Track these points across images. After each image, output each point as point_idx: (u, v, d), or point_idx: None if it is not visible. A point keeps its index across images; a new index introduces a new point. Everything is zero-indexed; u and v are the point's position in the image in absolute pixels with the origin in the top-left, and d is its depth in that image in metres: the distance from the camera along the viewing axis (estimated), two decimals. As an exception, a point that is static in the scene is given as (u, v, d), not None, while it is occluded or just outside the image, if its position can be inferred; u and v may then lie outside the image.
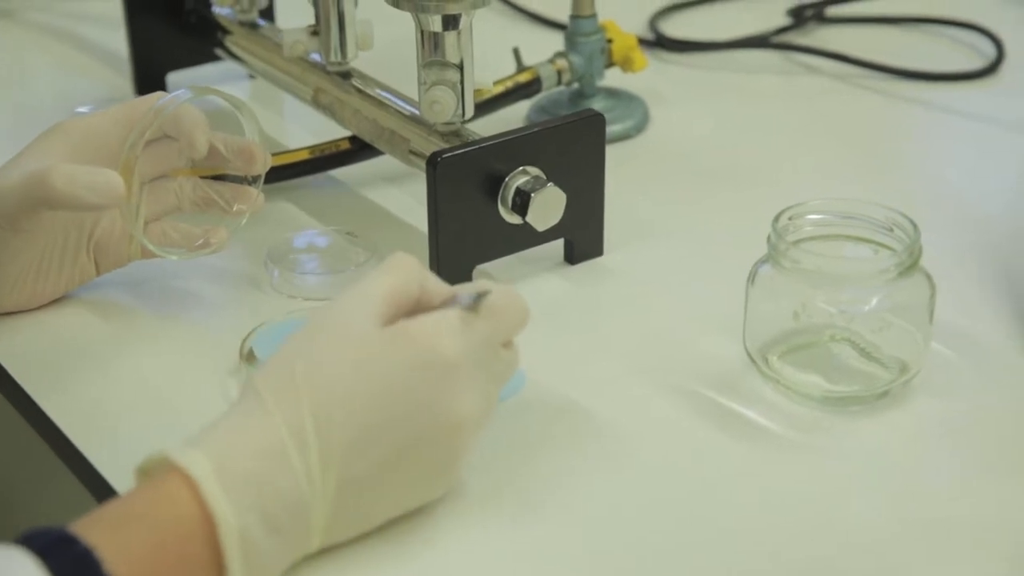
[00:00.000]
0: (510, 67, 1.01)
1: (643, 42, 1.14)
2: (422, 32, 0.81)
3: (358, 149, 0.93)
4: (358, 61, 0.92)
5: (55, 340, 0.78)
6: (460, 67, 0.82)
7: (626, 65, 1.02)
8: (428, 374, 0.61)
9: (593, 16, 1.00)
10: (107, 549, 0.55)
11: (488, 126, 0.90)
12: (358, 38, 0.91)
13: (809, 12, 1.16)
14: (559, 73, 1.00)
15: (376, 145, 0.89)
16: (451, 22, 0.80)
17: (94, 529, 0.56)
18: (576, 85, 1.01)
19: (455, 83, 0.82)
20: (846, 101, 1.06)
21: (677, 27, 1.17)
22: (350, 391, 0.61)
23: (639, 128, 1.01)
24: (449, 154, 0.78)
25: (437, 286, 0.66)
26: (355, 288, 0.64)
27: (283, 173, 0.92)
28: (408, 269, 0.65)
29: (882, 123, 1.03)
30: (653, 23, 1.17)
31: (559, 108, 1.01)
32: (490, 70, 1.01)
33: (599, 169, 0.84)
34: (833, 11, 1.17)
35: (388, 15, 0.84)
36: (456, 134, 0.83)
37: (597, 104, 1.01)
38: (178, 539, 0.57)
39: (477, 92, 0.96)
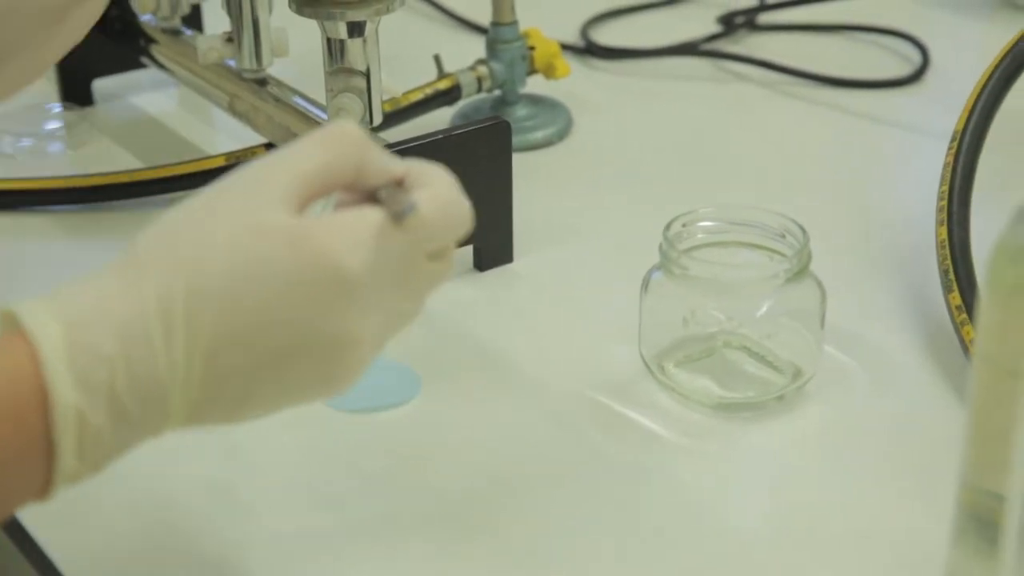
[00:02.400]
0: (429, 71, 1.01)
1: (573, 49, 1.14)
2: (328, 40, 0.81)
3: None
4: (274, 68, 0.92)
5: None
6: (367, 74, 0.82)
7: (548, 72, 1.02)
8: (322, 290, 0.54)
9: (514, 23, 1.00)
10: None
11: (408, 133, 0.90)
12: (273, 45, 0.91)
13: (740, 20, 1.16)
14: (479, 80, 1.00)
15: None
16: (356, 29, 0.80)
17: None
18: (498, 92, 1.02)
19: (362, 90, 0.82)
20: (773, 108, 1.07)
21: (609, 35, 1.18)
22: (232, 285, 0.54)
23: (561, 135, 1.02)
24: (349, 161, 0.78)
25: (378, 165, 0.57)
26: (278, 157, 0.57)
27: (198, 180, 0.92)
28: (345, 145, 0.57)
29: (807, 130, 1.04)
30: (584, 31, 1.18)
31: (481, 115, 1.01)
32: (412, 76, 1.01)
33: (506, 176, 0.84)
34: (764, 19, 1.18)
35: (304, 22, 0.84)
36: (364, 141, 0.83)
37: (519, 111, 1.01)
38: (11, 412, 0.51)
39: (393, 100, 0.97)
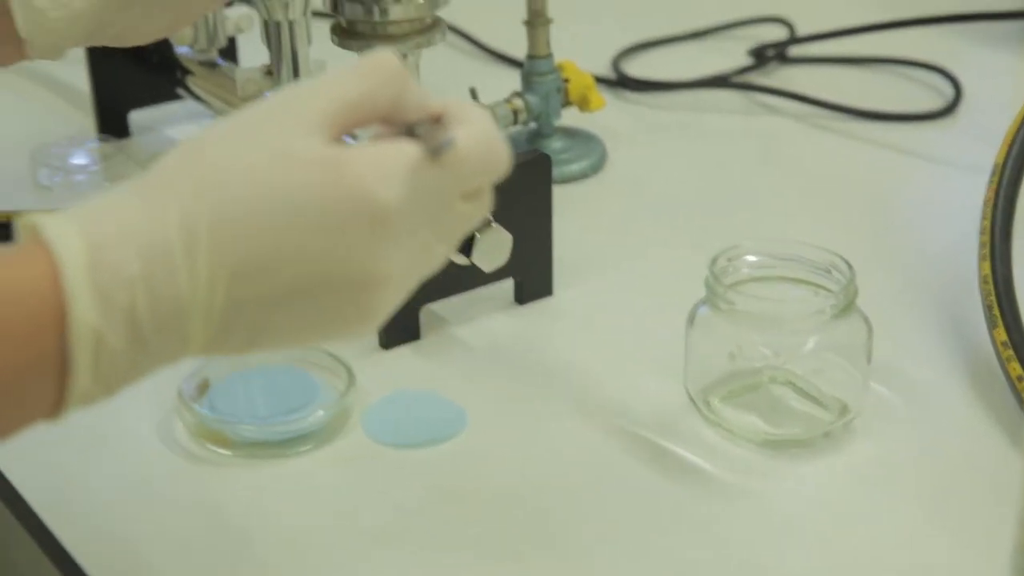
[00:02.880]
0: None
1: (605, 82, 1.14)
2: (370, 73, 0.81)
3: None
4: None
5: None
6: (409, 108, 0.82)
7: (583, 105, 1.03)
8: (351, 221, 0.52)
9: (549, 56, 1.00)
10: None
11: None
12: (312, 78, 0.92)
13: (771, 52, 1.16)
14: (515, 113, 1.00)
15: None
16: (398, 63, 0.80)
17: None
18: (533, 124, 1.02)
19: (403, 122, 0.82)
20: (805, 141, 1.07)
21: (640, 67, 1.18)
22: (259, 207, 0.52)
23: (596, 168, 1.02)
24: (393, 195, 0.78)
25: (416, 99, 0.55)
26: (315, 83, 0.55)
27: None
28: (384, 75, 0.55)
29: (840, 163, 1.04)
30: (616, 63, 1.18)
31: (516, 147, 1.02)
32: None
33: (547, 210, 0.84)
34: (794, 51, 1.18)
35: (342, 54, 0.84)
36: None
37: (554, 144, 1.01)
38: (29, 327, 0.50)
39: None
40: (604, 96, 1.05)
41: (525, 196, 0.83)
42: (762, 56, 1.16)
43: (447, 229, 0.57)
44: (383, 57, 0.55)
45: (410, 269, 0.55)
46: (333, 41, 0.81)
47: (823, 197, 0.98)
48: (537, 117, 1.01)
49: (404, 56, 0.80)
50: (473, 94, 1.00)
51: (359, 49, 0.80)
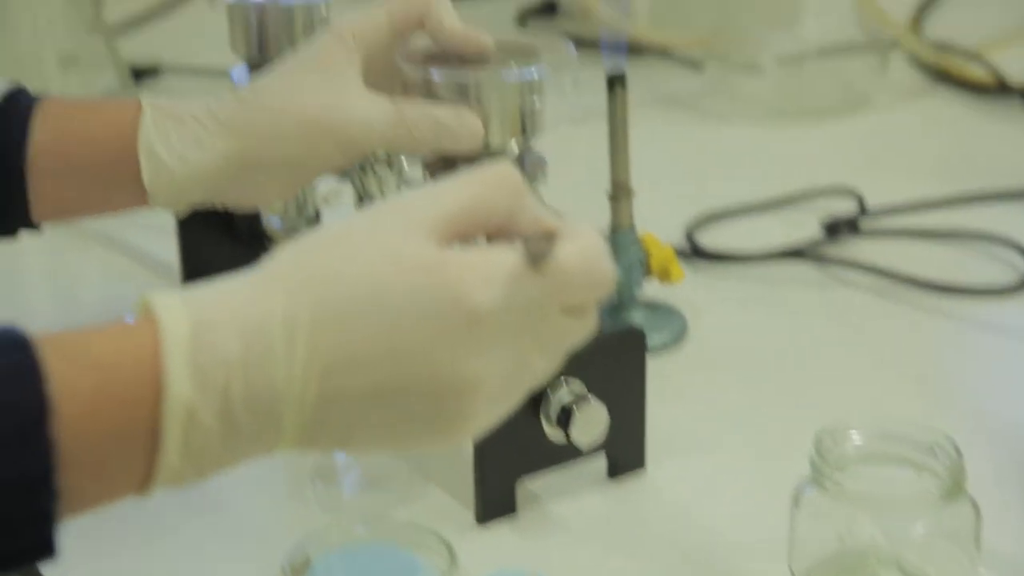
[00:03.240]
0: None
1: (678, 252, 1.15)
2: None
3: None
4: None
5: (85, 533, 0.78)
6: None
7: (664, 277, 1.04)
8: (445, 323, 0.53)
9: (631, 229, 1.02)
10: (54, 374, 0.50)
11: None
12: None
13: (843, 224, 1.18)
14: (599, 285, 1.01)
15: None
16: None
17: (53, 347, 0.52)
18: (614, 296, 1.03)
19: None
20: (883, 314, 1.07)
21: (712, 237, 1.19)
22: (359, 305, 0.53)
23: (677, 340, 1.02)
24: (493, 369, 0.79)
25: (531, 214, 0.57)
26: (430, 190, 0.57)
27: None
28: (500, 187, 0.56)
29: (919, 337, 1.04)
30: (688, 233, 1.19)
31: (600, 321, 1.02)
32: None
33: (640, 384, 0.84)
34: (866, 224, 1.19)
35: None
36: (499, 348, 0.84)
37: (636, 316, 1.02)
38: (126, 396, 0.52)
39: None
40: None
41: (618, 370, 0.83)
42: (834, 228, 1.17)
43: (547, 342, 0.57)
44: (502, 168, 0.57)
45: (506, 379, 0.56)
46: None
47: (906, 372, 0.99)
48: (619, 289, 1.02)
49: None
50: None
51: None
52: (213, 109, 0.79)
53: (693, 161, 1.40)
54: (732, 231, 1.22)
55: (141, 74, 1.51)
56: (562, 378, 0.81)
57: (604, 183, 1.00)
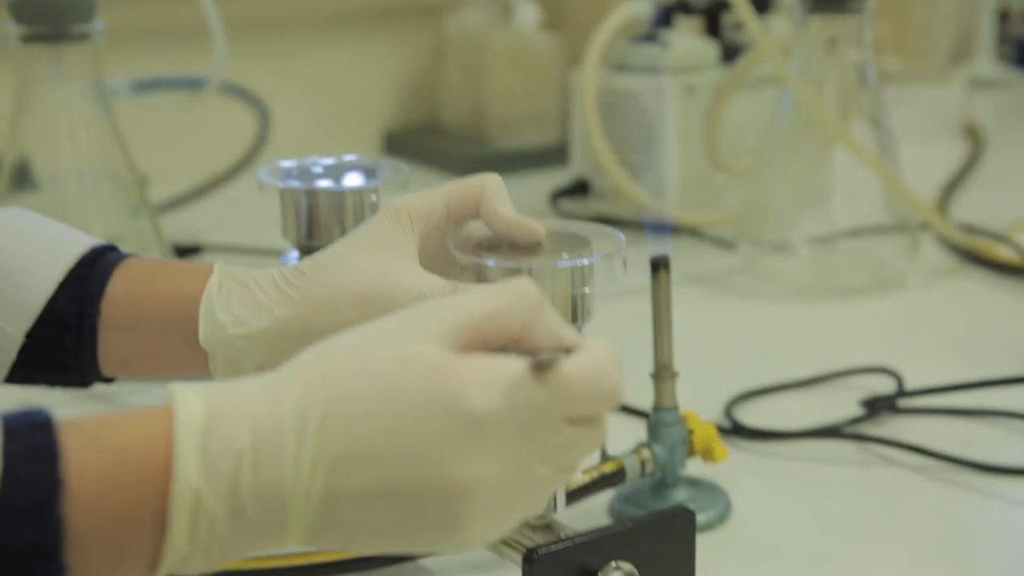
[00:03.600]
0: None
1: (719, 429, 1.16)
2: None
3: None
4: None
5: None
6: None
7: (707, 455, 1.04)
8: (443, 423, 0.56)
9: (675, 407, 1.02)
10: (71, 454, 0.54)
11: (571, 517, 0.92)
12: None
13: (882, 403, 1.19)
14: (643, 463, 1.02)
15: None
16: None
17: (74, 429, 0.55)
18: (659, 475, 1.03)
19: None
20: (925, 493, 1.07)
21: (752, 414, 1.20)
22: (368, 404, 0.57)
23: (722, 518, 1.03)
24: (545, 551, 0.79)
25: (548, 328, 0.60)
26: (448, 300, 0.60)
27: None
28: (519, 301, 0.60)
29: (962, 517, 1.04)
30: (728, 410, 1.20)
31: (642, 497, 1.03)
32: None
33: (689, 564, 0.85)
34: (905, 403, 1.20)
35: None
36: (548, 527, 0.85)
37: (680, 494, 1.03)
38: (137, 479, 0.55)
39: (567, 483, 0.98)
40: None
41: (668, 551, 0.84)
42: (874, 406, 1.18)
43: (551, 451, 0.59)
44: (520, 283, 0.60)
45: (506, 485, 0.58)
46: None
47: (951, 552, 0.98)
48: (663, 468, 1.02)
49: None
50: (602, 450, 1.02)
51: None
52: (276, 278, 0.81)
53: (728, 338, 1.41)
54: (771, 408, 1.22)
55: (184, 252, 1.55)
56: (613, 562, 0.81)
57: (639, 358, 1.02)
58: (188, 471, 0.55)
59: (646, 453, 1.02)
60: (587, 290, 0.80)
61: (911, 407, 1.20)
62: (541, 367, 0.57)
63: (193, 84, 1.59)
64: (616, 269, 0.78)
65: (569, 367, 0.58)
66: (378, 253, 0.80)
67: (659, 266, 0.97)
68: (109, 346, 0.83)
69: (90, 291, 0.81)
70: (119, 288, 0.82)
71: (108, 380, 0.86)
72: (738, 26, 1.70)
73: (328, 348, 0.59)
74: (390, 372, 0.57)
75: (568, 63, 1.92)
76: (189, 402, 0.56)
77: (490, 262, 0.79)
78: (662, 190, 1.57)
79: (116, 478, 0.55)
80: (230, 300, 0.81)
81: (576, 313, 0.80)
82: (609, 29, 1.62)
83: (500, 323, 0.59)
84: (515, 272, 0.78)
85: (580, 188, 1.71)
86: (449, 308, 0.59)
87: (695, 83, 1.63)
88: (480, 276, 0.79)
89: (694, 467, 1.07)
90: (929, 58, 2.18)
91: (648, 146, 1.61)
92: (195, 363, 0.84)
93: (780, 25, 1.69)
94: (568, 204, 1.72)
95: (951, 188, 1.79)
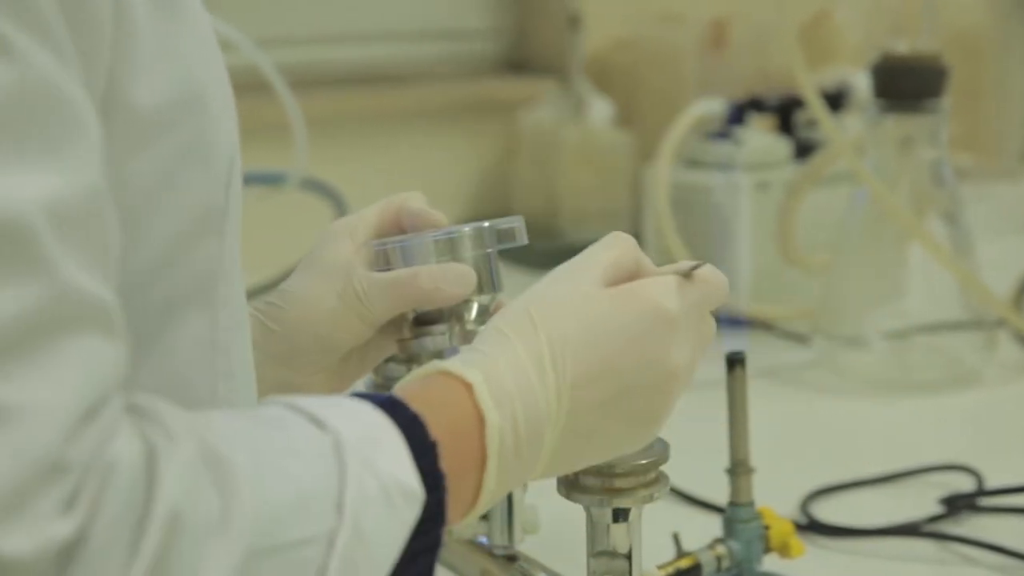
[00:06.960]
0: (668, 549, 1.02)
1: (796, 525, 1.15)
2: (593, 523, 0.84)
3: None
4: (524, 544, 0.95)
5: None
6: (628, 556, 0.84)
7: (783, 551, 1.03)
8: (651, 327, 0.70)
9: (750, 504, 1.02)
10: (428, 423, 0.64)
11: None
12: (524, 523, 0.95)
13: (962, 501, 1.17)
14: (718, 559, 1.01)
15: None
16: (622, 515, 0.83)
17: (414, 402, 0.65)
18: (735, 571, 1.02)
19: (624, 572, 0.84)
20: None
21: (829, 510, 1.19)
22: (581, 335, 0.69)
23: (798, 616, 1.01)
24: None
25: (650, 264, 0.75)
26: (577, 258, 0.74)
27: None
28: (626, 245, 0.74)
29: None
30: (804, 506, 1.19)
31: (719, 595, 1.02)
32: (652, 553, 1.02)
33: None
34: (985, 501, 1.19)
35: (553, 498, 0.86)
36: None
37: (756, 592, 1.02)
38: (463, 431, 0.66)
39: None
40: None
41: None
42: (953, 504, 1.17)
43: (703, 336, 0.74)
44: (618, 234, 0.75)
45: (691, 367, 0.72)
46: (560, 492, 0.84)
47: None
48: (739, 563, 1.02)
49: (628, 510, 0.83)
50: (676, 540, 1.02)
51: (586, 503, 0.83)
52: (259, 310, 0.85)
53: (803, 433, 1.41)
54: (847, 505, 1.21)
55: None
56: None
57: (714, 453, 1.01)
58: (492, 414, 0.66)
59: (722, 549, 1.01)
60: (491, 250, 0.86)
61: (992, 506, 1.19)
62: (688, 272, 0.73)
63: (274, 179, 1.61)
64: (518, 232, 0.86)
65: (704, 270, 0.73)
66: (333, 266, 0.84)
67: (735, 362, 0.97)
68: None
69: None
70: None
71: None
72: (811, 123, 1.71)
73: (520, 307, 0.71)
74: (585, 306, 0.70)
75: (640, 159, 1.94)
76: (468, 370, 0.67)
77: (417, 238, 0.85)
78: (736, 285, 1.57)
79: (452, 433, 0.65)
80: None
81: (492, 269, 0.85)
82: (682, 126, 1.63)
83: (624, 263, 0.73)
84: (439, 242, 0.85)
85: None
86: (589, 261, 0.73)
87: (768, 179, 1.64)
88: (393, 258, 0.85)
89: (770, 563, 1.06)
90: (1001, 155, 2.18)
91: (721, 241, 1.62)
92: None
93: (853, 123, 1.70)
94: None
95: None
